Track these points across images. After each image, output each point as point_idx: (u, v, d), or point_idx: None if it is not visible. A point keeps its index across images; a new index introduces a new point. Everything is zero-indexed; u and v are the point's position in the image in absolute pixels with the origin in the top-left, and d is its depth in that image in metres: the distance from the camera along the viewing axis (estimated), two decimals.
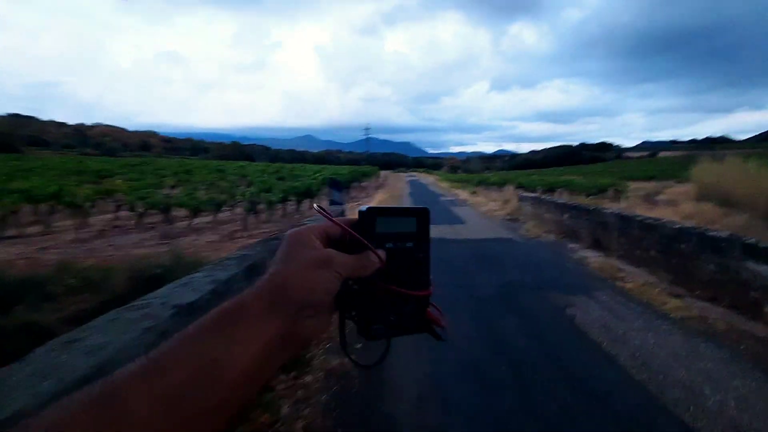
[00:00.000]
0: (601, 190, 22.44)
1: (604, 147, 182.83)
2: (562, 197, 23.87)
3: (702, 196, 16.43)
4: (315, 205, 0.50)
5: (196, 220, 13.89)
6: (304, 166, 46.31)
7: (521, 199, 12.35)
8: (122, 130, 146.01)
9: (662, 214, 10.66)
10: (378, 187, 29.50)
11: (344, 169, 29.52)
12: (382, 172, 67.63)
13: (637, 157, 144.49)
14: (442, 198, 21.02)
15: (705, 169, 17.70)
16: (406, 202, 18.36)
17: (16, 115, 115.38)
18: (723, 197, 15.21)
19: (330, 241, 0.46)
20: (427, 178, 54.31)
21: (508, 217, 12.20)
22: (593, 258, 6.73)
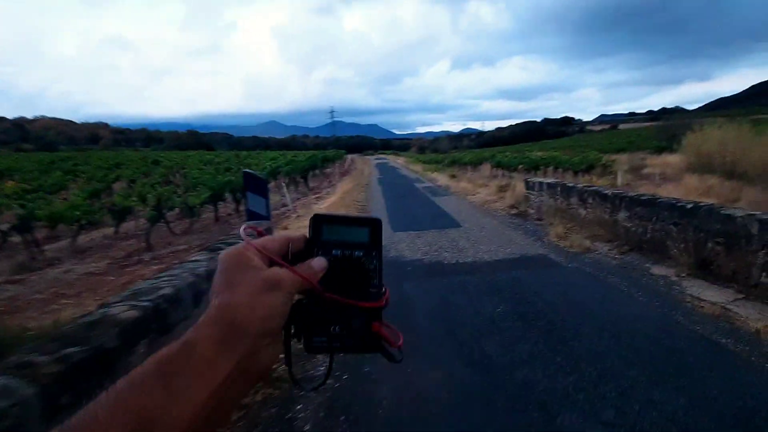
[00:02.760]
0: (590, 167, 19.99)
1: (567, 121, 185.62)
2: (548, 176, 21.33)
3: (699, 168, 14.32)
4: (242, 228, 0.45)
5: (88, 236, 10.06)
6: (262, 153, 41.78)
7: (529, 186, 9.24)
8: (69, 123, 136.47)
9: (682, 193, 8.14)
10: (344, 174, 25.92)
11: (304, 155, 25.77)
12: (350, 156, 63.76)
13: (600, 131, 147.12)
14: (419, 185, 17.72)
15: (700, 138, 15.55)
16: (376, 193, 14.98)
17: None
18: (727, 169, 13.05)
19: (269, 257, 0.42)
20: (396, 161, 50.87)
21: (515, 212, 9.12)
22: (740, 311, 3.65)
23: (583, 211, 7.01)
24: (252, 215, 4.99)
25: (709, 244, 4.45)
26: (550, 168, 22.48)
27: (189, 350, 0.35)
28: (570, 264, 5.24)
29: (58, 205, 8.19)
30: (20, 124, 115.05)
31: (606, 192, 6.42)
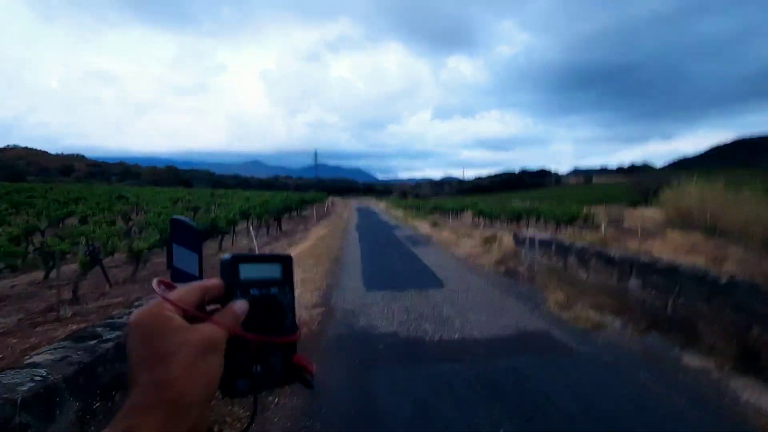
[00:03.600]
0: (572, 219, 19.66)
1: (544, 173, 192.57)
2: (531, 227, 20.82)
3: (679, 224, 14.08)
4: (154, 281, 0.42)
5: (13, 281, 8.61)
6: (238, 192, 40.59)
7: (519, 241, 8.41)
8: (43, 153, 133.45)
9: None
10: (322, 217, 24.88)
11: (282, 195, 24.75)
12: (331, 199, 62.98)
13: (575, 183, 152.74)
14: (398, 233, 16.80)
15: (679, 194, 15.50)
16: (353, 241, 13.93)
17: None
18: (708, 225, 12.78)
19: (185, 309, 0.39)
20: (377, 205, 50.30)
21: (503, 269, 8.19)
22: None
23: (583, 275, 6.13)
24: (178, 274, 3.85)
25: (755, 330, 3.56)
26: (532, 218, 22.15)
27: None
28: (581, 347, 4.22)
29: None
30: None
31: (611, 254, 5.57)
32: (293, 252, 11.12)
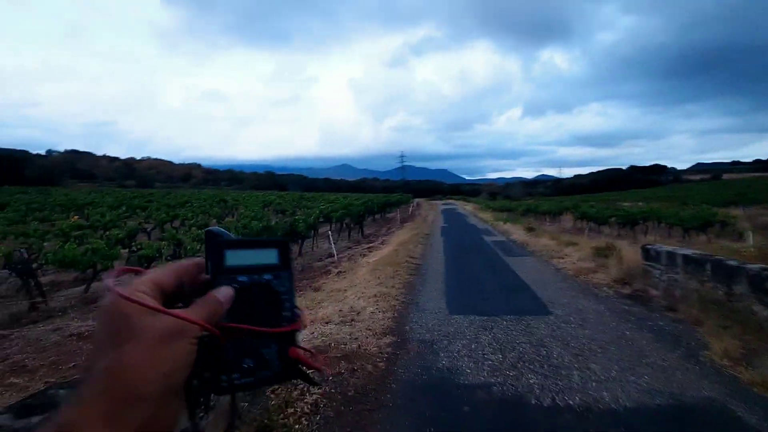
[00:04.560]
0: (705, 224, 16.05)
1: (658, 169, 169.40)
2: (650, 233, 17.42)
3: None
4: (113, 271, 0.38)
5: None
6: (325, 195, 41.96)
7: (651, 256, 6.50)
8: (168, 163, 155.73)
9: None
10: (406, 220, 24.06)
11: (363, 199, 24.49)
12: (416, 200, 62.35)
13: (698, 180, 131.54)
14: (488, 238, 15.17)
15: None
16: (437, 247, 12.78)
17: (74, 151, 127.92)
18: None
19: (164, 293, 0.36)
20: (464, 207, 48.10)
21: (627, 292, 6.39)
22: None
23: (763, 312, 4.24)
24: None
25: None
26: (650, 223, 18.67)
27: None
28: None
29: (71, 248, 7.25)
30: (129, 163, 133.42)
31: None
32: (371, 259, 10.39)
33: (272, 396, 3.31)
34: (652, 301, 5.89)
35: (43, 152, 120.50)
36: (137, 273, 0.38)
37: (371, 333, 4.73)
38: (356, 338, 4.57)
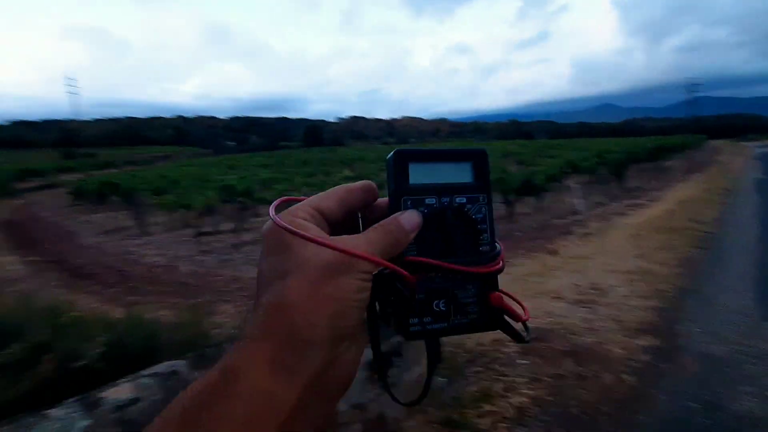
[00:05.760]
0: None
1: None
2: None
3: None
4: (274, 203, 0.34)
5: None
6: (573, 141, 36.68)
7: None
8: (419, 120, 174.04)
9: None
10: (693, 171, 18.05)
11: (625, 144, 19.45)
12: (712, 142, 46.31)
13: None
14: None
15: None
16: (739, 211, 8.91)
17: (354, 117, 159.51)
18: None
19: (329, 222, 0.32)
20: None
21: None
22: None
23: None
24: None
25: None
26: None
27: (231, 381, 0.25)
28: None
29: None
30: (390, 123, 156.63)
31: None
32: (632, 221, 8.21)
33: (473, 380, 2.83)
34: None
35: (334, 120, 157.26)
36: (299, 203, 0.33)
37: (618, 326, 3.52)
38: (594, 329, 3.48)
